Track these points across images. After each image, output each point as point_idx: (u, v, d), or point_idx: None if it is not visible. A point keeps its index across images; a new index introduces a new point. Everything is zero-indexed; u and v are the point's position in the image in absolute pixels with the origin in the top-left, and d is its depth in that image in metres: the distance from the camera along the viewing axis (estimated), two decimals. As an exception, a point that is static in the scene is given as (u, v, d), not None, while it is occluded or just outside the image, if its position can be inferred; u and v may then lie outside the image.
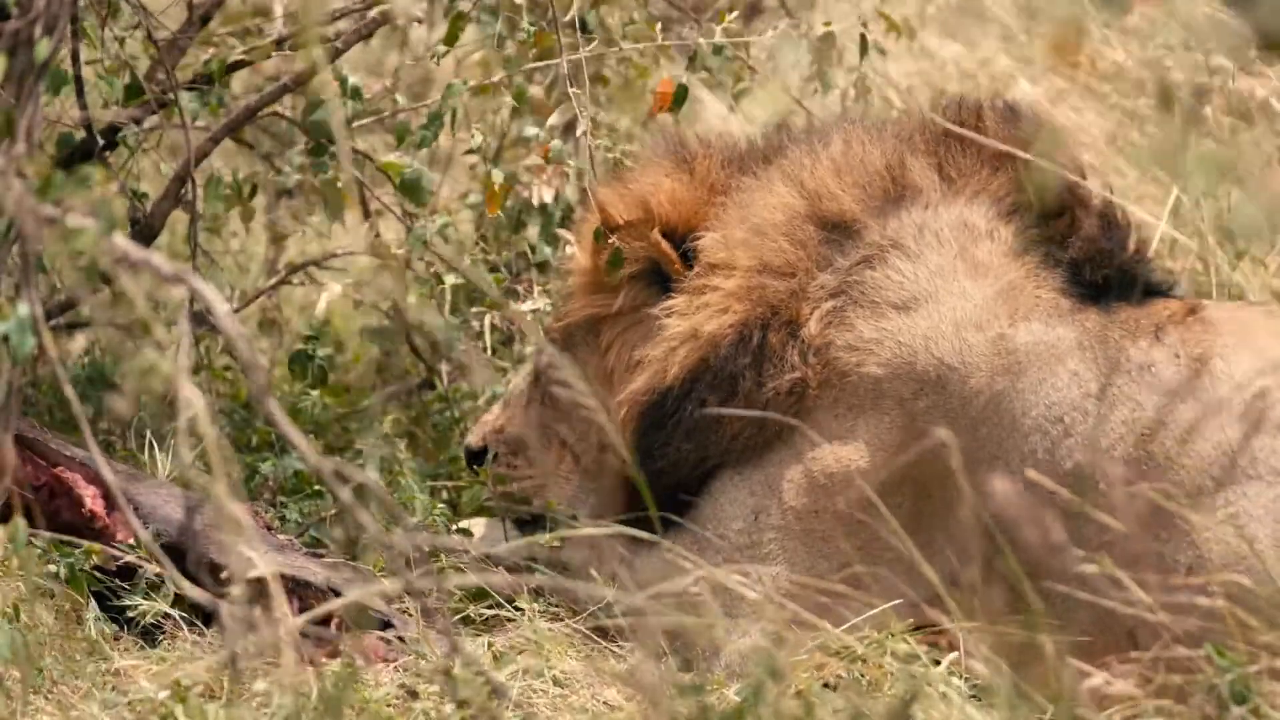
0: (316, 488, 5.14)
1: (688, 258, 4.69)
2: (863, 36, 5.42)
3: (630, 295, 4.75)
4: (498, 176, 5.41)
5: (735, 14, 5.58)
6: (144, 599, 4.46)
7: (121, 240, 3.37)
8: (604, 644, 4.50)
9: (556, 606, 4.63)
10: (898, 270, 4.49)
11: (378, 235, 5.65)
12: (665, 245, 4.69)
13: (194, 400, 3.36)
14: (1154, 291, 4.51)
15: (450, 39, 5.20)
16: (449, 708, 4.06)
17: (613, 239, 4.71)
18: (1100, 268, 4.47)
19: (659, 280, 4.73)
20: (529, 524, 4.95)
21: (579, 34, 5.20)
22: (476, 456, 5.00)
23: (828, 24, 5.52)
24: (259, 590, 3.98)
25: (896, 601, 4.35)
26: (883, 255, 4.51)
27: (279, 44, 5.27)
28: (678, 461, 4.59)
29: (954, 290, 4.44)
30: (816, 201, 4.58)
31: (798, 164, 4.64)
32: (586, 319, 4.81)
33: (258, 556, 4.22)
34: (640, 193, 4.74)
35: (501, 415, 4.99)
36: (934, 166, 4.57)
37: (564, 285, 4.96)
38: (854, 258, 4.53)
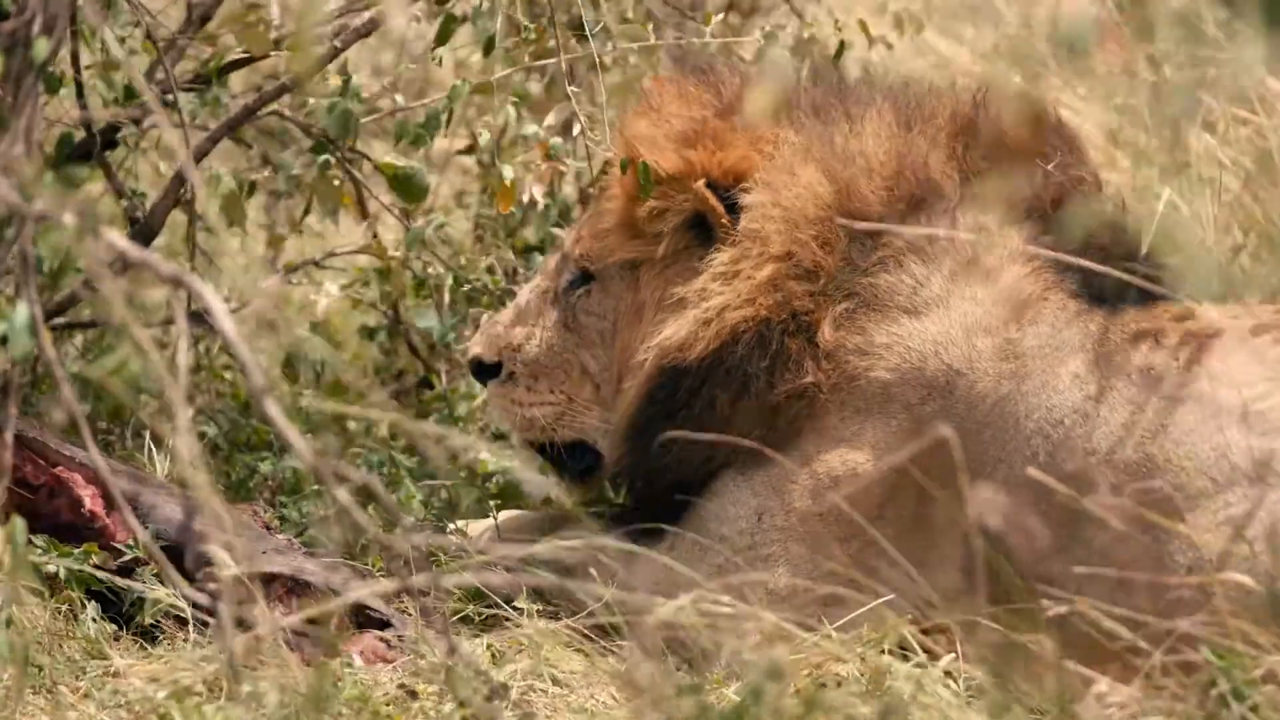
0: (315, 487, 5.14)
1: (733, 209, 4.63)
2: (840, 42, 5.42)
3: (673, 243, 4.68)
4: (508, 174, 5.40)
5: (726, 12, 5.58)
6: (144, 598, 4.47)
7: (120, 240, 3.36)
8: (603, 643, 4.50)
9: (555, 606, 4.62)
10: (912, 275, 4.48)
11: (375, 235, 5.65)
12: (713, 200, 4.61)
13: (182, 406, 3.36)
14: (1160, 295, 4.51)
15: (442, 39, 5.19)
16: (448, 707, 4.06)
17: (641, 158, 4.62)
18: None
19: (703, 229, 4.66)
20: (549, 455, 4.92)
21: (588, 35, 5.19)
22: (488, 370, 4.91)
23: (810, 24, 5.52)
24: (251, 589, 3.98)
25: (889, 596, 4.35)
26: (899, 258, 4.50)
27: (276, 44, 5.27)
28: (682, 459, 4.58)
29: (965, 295, 4.44)
30: (846, 200, 4.54)
31: (831, 148, 4.59)
32: (626, 261, 4.76)
33: (251, 556, 4.22)
34: (683, 135, 4.68)
35: (518, 332, 4.89)
36: (955, 168, 4.55)
37: (597, 217, 4.83)
38: (872, 259, 4.52)
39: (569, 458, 4.89)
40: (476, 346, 4.93)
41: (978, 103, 4.63)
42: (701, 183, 4.61)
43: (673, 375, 4.58)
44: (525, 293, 4.94)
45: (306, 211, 5.52)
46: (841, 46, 5.46)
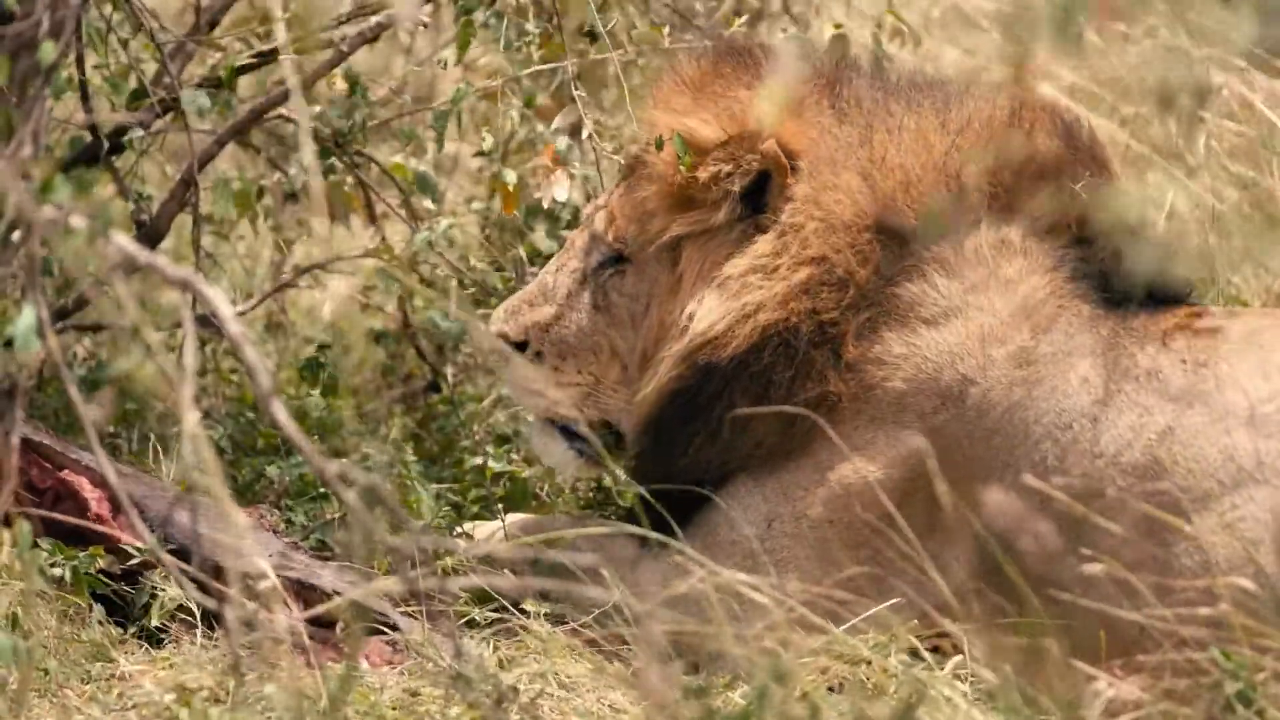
0: (322, 491, 5.14)
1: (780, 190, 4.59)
2: (875, 38, 5.40)
3: (731, 210, 4.61)
4: (510, 178, 5.39)
5: (743, 19, 5.57)
6: (151, 601, 4.47)
7: (127, 243, 3.37)
8: (610, 646, 4.49)
9: (562, 609, 4.61)
10: (934, 286, 4.47)
11: (383, 238, 5.65)
12: (783, 158, 4.56)
13: (189, 408, 3.36)
14: (1173, 299, 4.51)
15: (462, 46, 5.18)
16: (454, 711, 4.06)
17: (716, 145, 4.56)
18: (1127, 276, 4.47)
19: (754, 202, 4.62)
20: (571, 433, 4.88)
21: (601, 37, 5.18)
22: (514, 350, 4.83)
23: (838, 26, 5.50)
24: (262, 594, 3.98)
25: (895, 601, 4.35)
26: (922, 269, 4.48)
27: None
28: (696, 462, 4.56)
29: (982, 306, 4.43)
30: (882, 211, 4.51)
31: (871, 152, 4.56)
32: (674, 239, 4.69)
33: (263, 559, 4.22)
34: (729, 111, 4.63)
35: (545, 311, 4.83)
36: (986, 180, 4.52)
37: (635, 198, 4.76)
38: (897, 268, 4.50)
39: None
40: (500, 324, 4.86)
41: (1013, 112, 4.60)
42: (772, 141, 4.57)
43: (704, 372, 4.56)
44: (550, 272, 4.87)
45: (334, 217, 5.51)
46: (877, 43, 5.44)
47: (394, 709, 4.16)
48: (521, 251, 5.72)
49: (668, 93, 4.74)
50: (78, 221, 3.30)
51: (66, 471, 4.59)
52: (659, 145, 4.63)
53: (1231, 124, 6.28)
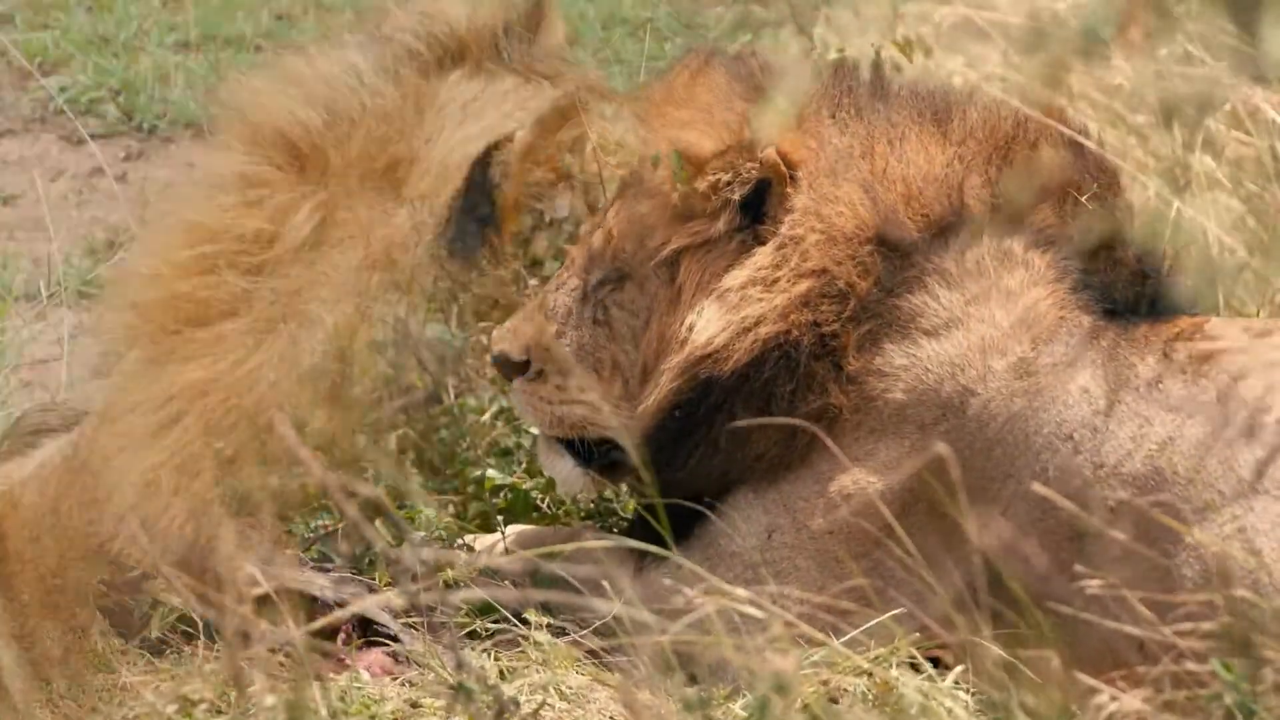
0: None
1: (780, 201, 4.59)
2: (876, 53, 5.40)
3: (731, 219, 4.60)
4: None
5: (735, 30, 5.58)
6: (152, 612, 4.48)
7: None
8: (611, 658, 4.49)
9: (563, 620, 4.61)
10: (936, 297, 4.47)
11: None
12: (783, 167, 4.55)
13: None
14: (1176, 309, 4.51)
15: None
16: (454, 721, 4.06)
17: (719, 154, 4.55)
18: (1131, 287, 4.47)
19: (754, 212, 4.61)
20: (577, 450, 4.87)
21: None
22: (515, 367, 4.85)
23: (841, 50, 5.50)
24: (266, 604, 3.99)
25: (898, 611, 4.35)
26: (924, 280, 4.48)
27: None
28: (697, 474, 4.57)
29: (983, 317, 4.43)
30: (884, 225, 4.51)
31: (873, 164, 4.55)
32: (675, 252, 4.68)
33: (263, 570, 4.23)
34: (725, 123, 4.63)
35: (546, 329, 4.83)
36: (989, 193, 4.52)
37: (634, 214, 4.76)
38: (898, 279, 4.50)
39: (597, 452, 4.85)
40: (503, 343, 4.86)
41: (1018, 122, 4.60)
42: (772, 149, 4.57)
43: (704, 386, 4.56)
44: (550, 290, 4.88)
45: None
46: (878, 58, 5.45)
47: (394, 719, 4.16)
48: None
49: (665, 106, 4.75)
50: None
51: (68, 482, 4.60)
52: (656, 160, 4.63)
53: (1239, 135, 6.29)
